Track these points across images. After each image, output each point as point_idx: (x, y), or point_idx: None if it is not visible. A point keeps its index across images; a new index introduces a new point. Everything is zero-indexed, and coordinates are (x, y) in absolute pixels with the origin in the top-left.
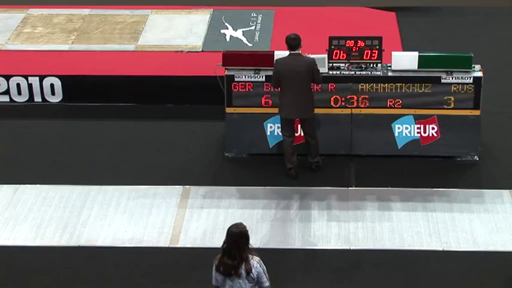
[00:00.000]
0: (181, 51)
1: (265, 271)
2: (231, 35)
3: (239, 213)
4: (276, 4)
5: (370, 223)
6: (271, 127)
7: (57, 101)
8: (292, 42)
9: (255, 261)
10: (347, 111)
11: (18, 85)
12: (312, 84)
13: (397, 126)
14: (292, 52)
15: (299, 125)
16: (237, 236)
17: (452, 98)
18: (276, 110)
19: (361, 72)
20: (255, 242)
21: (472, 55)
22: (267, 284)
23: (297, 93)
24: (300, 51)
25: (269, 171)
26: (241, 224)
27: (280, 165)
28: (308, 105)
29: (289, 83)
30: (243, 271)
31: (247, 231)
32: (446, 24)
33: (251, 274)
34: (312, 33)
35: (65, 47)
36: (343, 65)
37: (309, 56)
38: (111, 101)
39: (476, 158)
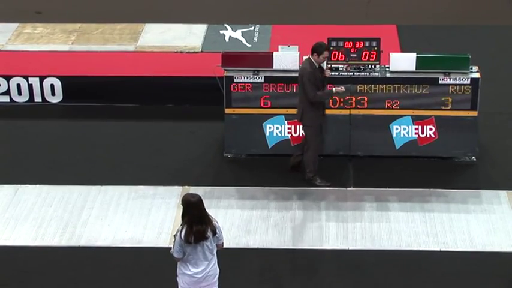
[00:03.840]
0: (181, 52)
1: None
2: (230, 36)
3: (238, 213)
4: (272, 22)
5: (368, 223)
6: (270, 128)
7: (57, 101)
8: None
9: (215, 221)
10: (345, 112)
11: (18, 85)
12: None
13: (395, 127)
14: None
15: (301, 125)
16: (198, 202)
17: (450, 99)
18: (274, 111)
19: (360, 73)
20: (254, 242)
21: (470, 56)
22: (223, 240)
23: (299, 95)
24: (310, 57)
25: (268, 171)
26: (192, 193)
27: (279, 166)
28: (299, 111)
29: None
30: (210, 233)
31: (201, 197)
32: (444, 25)
33: (216, 234)
34: (311, 34)
35: (65, 48)
36: (342, 66)
37: (304, 64)
38: (111, 102)
39: (473, 158)
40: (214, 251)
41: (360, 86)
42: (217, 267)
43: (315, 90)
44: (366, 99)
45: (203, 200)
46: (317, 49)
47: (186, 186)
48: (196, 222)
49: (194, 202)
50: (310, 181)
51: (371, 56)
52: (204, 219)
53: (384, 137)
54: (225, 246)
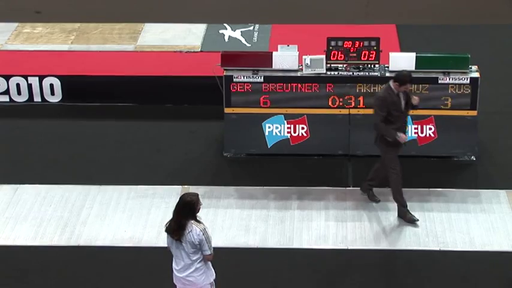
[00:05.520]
0: (180, 52)
1: (210, 240)
2: (229, 35)
3: (237, 213)
4: (271, 22)
5: (367, 223)
6: (269, 127)
7: (57, 101)
8: None
9: (199, 229)
10: (345, 111)
11: (17, 85)
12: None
13: None
14: None
15: (300, 124)
16: (183, 204)
17: (450, 99)
18: (274, 111)
19: (359, 73)
20: (253, 241)
21: (469, 56)
22: (208, 252)
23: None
24: (391, 83)
25: (267, 171)
26: (194, 194)
27: (278, 166)
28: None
29: None
30: (184, 242)
31: (194, 202)
32: (443, 25)
33: (192, 240)
34: (310, 34)
35: (65, 47)
36: (341, 65)
37: (383, 89)
38: (110, 101)
39: (473, 158)
40: (197, 259)
41: (359, 86)
42: (207, 278)
43: (380, 117)
44: (365, 98)
45: (201, 200)
46: (400, 78)
47: (186, 186)
48: (174, 219)
49: (182, 201)
50: (402, 215)
51: (370, 55)
52: (181, 222)
53: None
54: (225, 246)
